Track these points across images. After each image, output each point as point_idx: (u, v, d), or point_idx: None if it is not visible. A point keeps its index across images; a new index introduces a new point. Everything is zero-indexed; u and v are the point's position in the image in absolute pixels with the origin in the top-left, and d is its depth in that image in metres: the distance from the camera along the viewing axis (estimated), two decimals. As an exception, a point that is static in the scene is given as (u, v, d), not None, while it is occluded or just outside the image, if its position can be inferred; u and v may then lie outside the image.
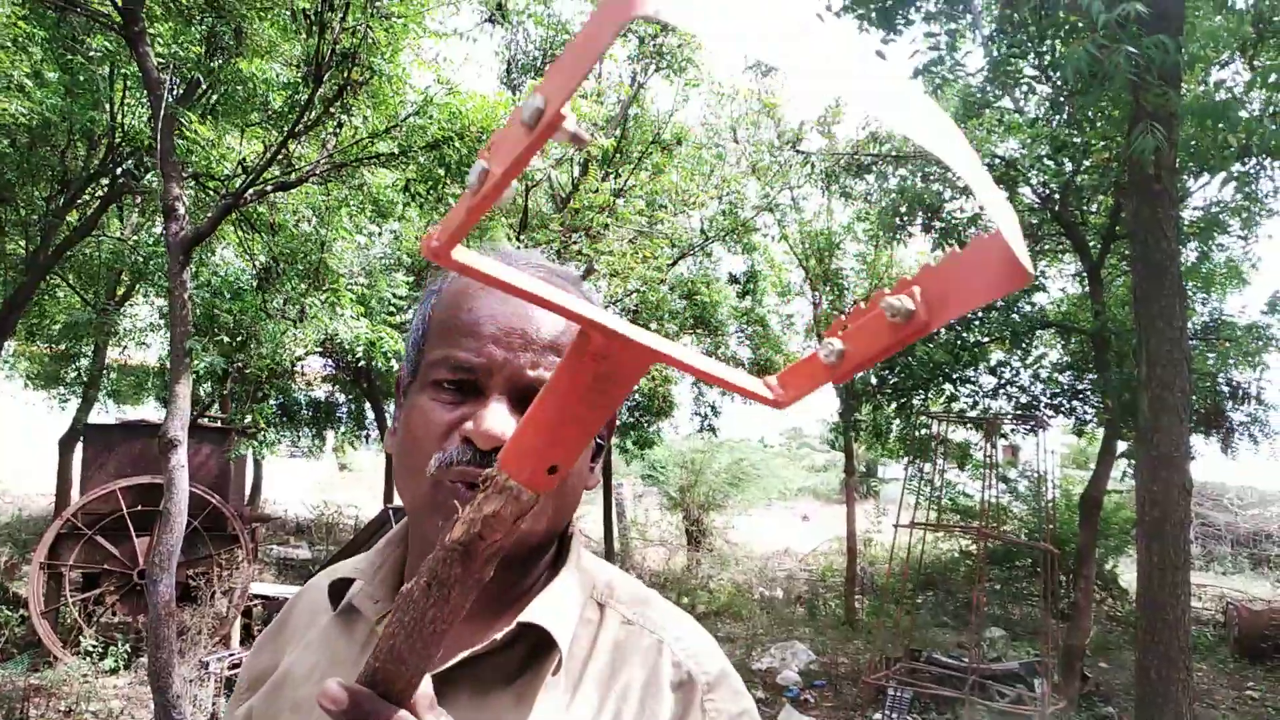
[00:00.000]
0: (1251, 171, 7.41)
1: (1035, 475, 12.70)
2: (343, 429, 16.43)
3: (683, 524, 17.61)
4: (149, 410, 15.22)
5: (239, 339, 7.52)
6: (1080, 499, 8.17)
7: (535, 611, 0.80)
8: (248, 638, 7.94)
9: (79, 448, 9.64)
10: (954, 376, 9.31)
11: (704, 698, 0.81)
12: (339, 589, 0.91)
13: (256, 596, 8.09)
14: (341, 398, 16.13)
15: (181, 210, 5.38)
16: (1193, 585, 3.31)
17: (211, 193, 7.27)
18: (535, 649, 0.80)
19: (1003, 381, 9.28)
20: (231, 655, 6.77)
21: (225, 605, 7.57)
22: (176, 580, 5.24)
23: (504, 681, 0.80)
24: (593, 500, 18.16)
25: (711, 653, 0.86)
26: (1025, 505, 12.68)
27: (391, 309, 8.31)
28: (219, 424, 9.24)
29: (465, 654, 0.78)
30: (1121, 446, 8.41)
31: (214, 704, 6.16)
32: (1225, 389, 8.07)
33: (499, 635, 0.79)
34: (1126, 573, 13.21)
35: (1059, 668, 7.84)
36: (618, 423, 14.14)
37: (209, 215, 5.99)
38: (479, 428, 0.77)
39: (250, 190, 5.88)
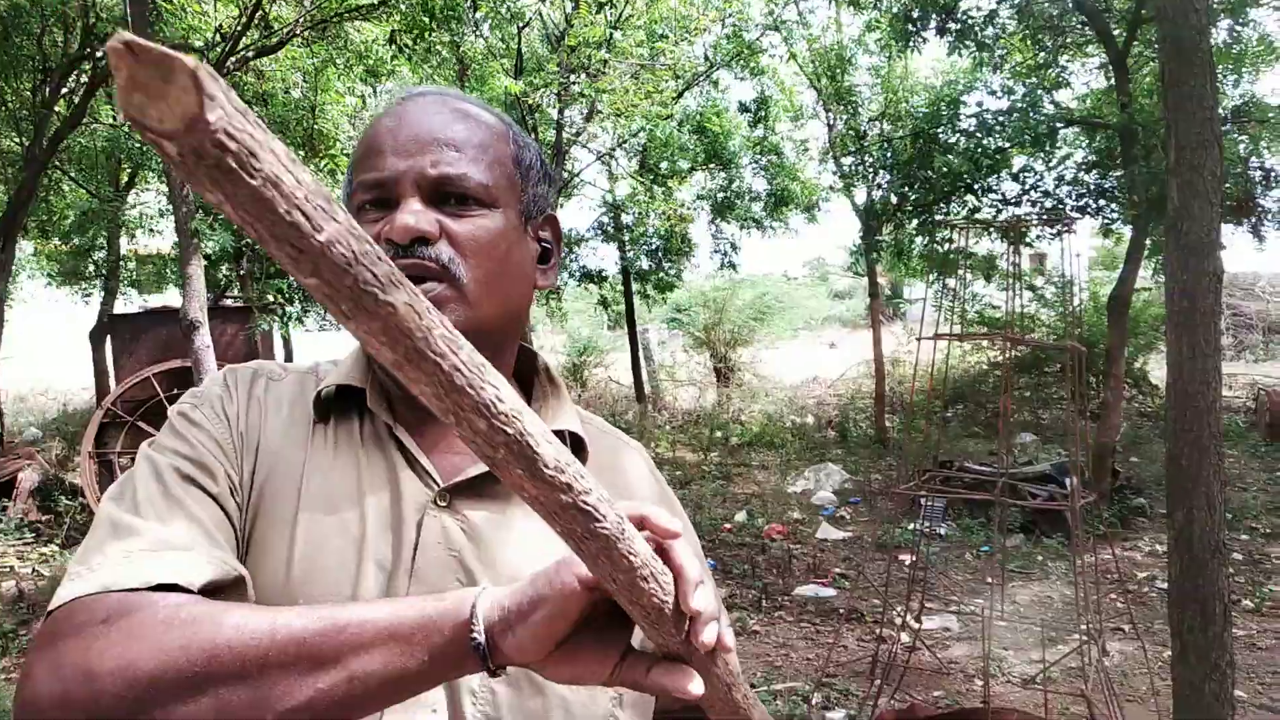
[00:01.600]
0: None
1: (1062, 280, 12.57)
2: (365, 298, 16.45)
3: (710, 362, 17.77)
4: (172, 297, 15.34)
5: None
6: (1109, 299, 8.07)
7: (562, 421, 0.93)
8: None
9: (109, 340, 9.78)
10: (975, 186, 9.05)
11: (663, 486, 1.03)
12: (325, 397, 0.90)
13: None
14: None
15: (164, 86, 5.20)
16: (1224, 375, 3.28)
17: (194, 66, 7.01)
18: None
19: (1026, 187, 9.01)
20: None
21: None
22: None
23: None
24: (619, 347, 18.30)
25: (646, 454, 1.06)
26: (1053, 311, 12.60)
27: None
28: (241, 304, 9.29)
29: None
30: (1149, 244, 8.24)
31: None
32: (1257, 174, 7.79)
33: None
34: (1156, 369, 13.25)
35: (1089, 465, 7.96)
36: (636, 269, 14.07)
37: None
38: (393, 226, 0.81)
39: (232, 59, 5.66)
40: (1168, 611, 3.32)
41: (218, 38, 6.58)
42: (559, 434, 0.88)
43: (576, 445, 0.93)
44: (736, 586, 6.46)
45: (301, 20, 5.99)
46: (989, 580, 6.50)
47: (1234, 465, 9.34)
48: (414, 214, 0.82)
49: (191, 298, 5.20)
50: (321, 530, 0.82)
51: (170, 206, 9.67)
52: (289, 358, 16.41)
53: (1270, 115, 7.50)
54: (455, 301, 0.83)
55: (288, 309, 7.86)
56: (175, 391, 8.02)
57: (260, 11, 5.80)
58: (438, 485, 0.85)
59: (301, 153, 6.98)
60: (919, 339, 3.43)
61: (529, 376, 1.00)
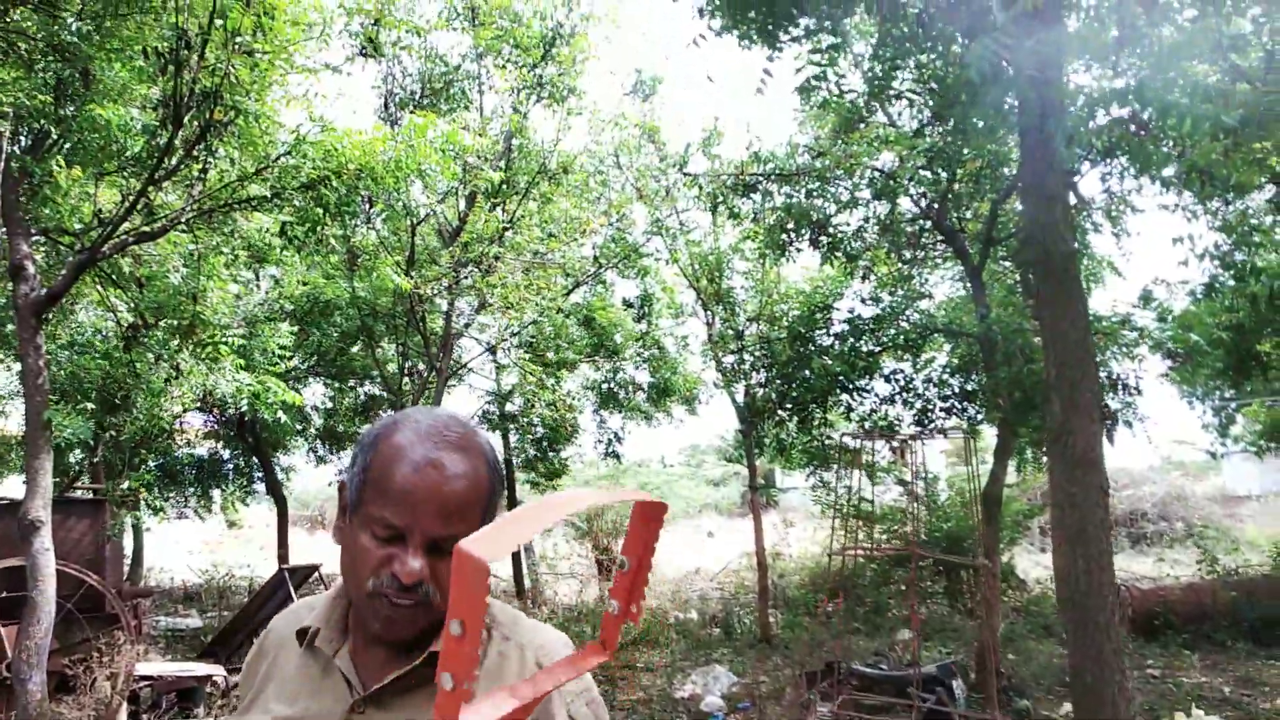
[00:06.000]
0: (1113, 171, 7.80)
1: (927, 476, 13.04)
2: (230, 486, 15.59)
3: (592, 554, 17.35)
4: (12, 485, 14.10)
5: (113, 402, 6.99)
6: (982, 497, 8.35)
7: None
8: (136, 723, 7.33)
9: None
10: (850, 387, 9.42)
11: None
12: (303, 633, 1.27)
13: (143, 678, 7.49)
14: (226, 453, 15.32)
15: (31, 270, 4.94)
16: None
17: (66, 248, 6.75)
18: None
19: (897, 389, 9.44)
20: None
21: (109, 691, 6.98)
22: (51, 671, 4.77)
23: (428, 690, 1.17)
24: (498, 537, 17.60)
25: (558, 648, 1.26)
26: (922, 506, 12.99)
27: (275, 359, 7.86)
28: (92, 495, 8.57)
29: (395, 674, 1.18)
30: (1017, 444, 8.64)
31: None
32: (1105, 381, 8.41)
33: (418, 661, 1.18)
34: (1019, 563, 13.67)
35: (974, 666, 7.95)
36: (524, 457, 13.87)
37: (63, 273, 5.53)
38: (403, 570, 1.14)
39: (108, 244, 5.46)
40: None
41: (96, 221, 6.38)
42: (434, 653, 1.17)
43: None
44: (626, 809, 6.00)
45: (188, 209, 5.88)
46: (886, 793, 6.26)
47: (1107, 661, 9.50)
48: (418, 564, 1.14)
49: (35, 494, 4.73)
50: None
51: (20, 388, 9.04)
52: (139, 549, 15.21)
53: (1114, 328, 8.16)
54: (423, 613, 1.17)
55: (150, 500, 7.25)
56: (4, 594, 7.19)
57: (145, 199, 5.67)
58: (359, 694, 1.20)
59: (178, 339, 6.68)
60: (829, 555, 3.39)
61: None
